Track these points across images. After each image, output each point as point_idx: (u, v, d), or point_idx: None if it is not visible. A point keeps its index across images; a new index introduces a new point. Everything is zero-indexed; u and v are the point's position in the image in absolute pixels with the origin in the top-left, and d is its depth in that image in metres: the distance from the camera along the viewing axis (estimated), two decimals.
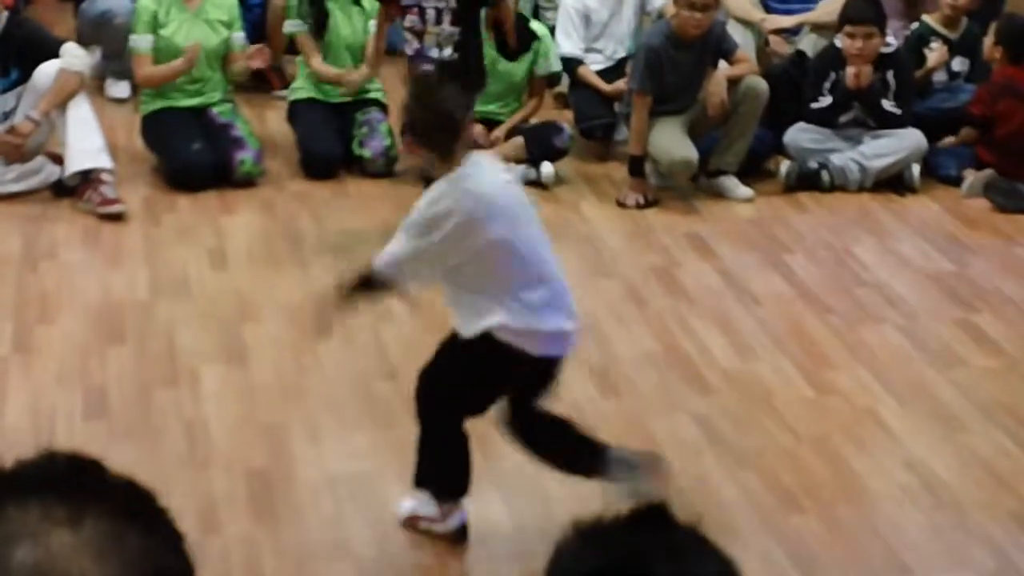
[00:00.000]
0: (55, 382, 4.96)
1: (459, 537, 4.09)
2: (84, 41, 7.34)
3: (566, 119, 7.33)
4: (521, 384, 4.01)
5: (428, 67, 5.83)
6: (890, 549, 4.17)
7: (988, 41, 7.12)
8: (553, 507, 4.25)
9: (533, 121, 7.14)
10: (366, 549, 4.13)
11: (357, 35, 7.01)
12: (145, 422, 4.71)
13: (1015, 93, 6.92)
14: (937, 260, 6.26)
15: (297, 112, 7.07)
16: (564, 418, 4.10)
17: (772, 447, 4.69)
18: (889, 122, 7.00)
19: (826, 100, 7.03)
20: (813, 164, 6.98)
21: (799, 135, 7.09)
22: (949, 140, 7.23)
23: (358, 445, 4.59)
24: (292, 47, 7.24)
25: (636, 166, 6.78)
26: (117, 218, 6.30)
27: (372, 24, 6.79)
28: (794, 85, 7.17)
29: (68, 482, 1.19)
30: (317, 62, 7.01)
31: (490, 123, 6.98)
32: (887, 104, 7.00)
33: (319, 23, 6.98)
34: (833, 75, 7.01)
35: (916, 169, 7.01)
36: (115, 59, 7.63)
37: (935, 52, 7.37)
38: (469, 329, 3.86)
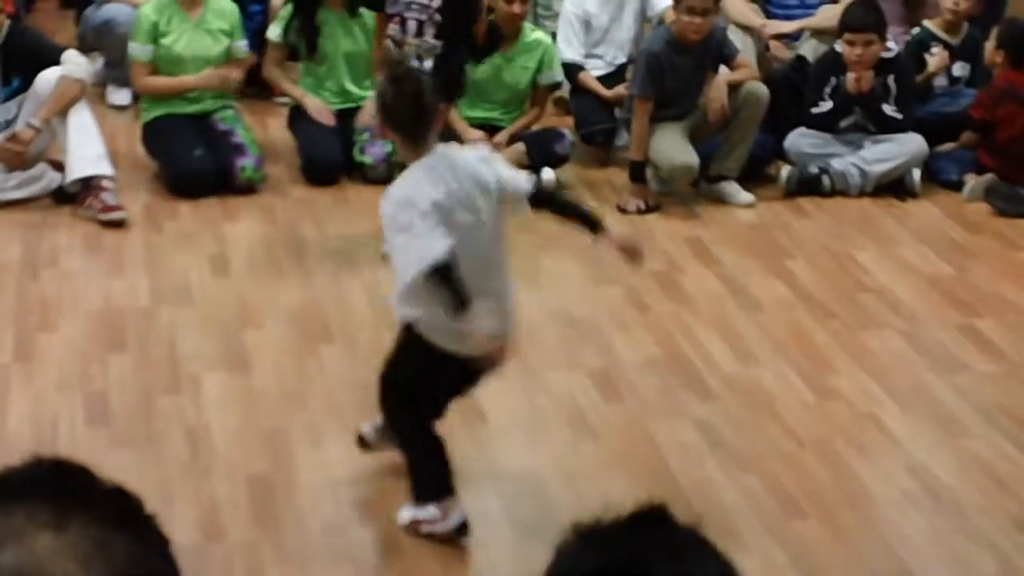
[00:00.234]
0: (56, 389, 4.96)
1: (461, 533, 4.09)
2: (86, 48, 7.36)
3: (567, 125, 7.34)
4: (456, 381, 4.08)
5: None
6: (892, 553, 4.17)
7: (989, 46, 7.12)
8: (554, 511, 4.24)
9: (534, 128, 7.15)
10: (368, 554, 4.14)
11: (358, 46, 7.00)
12: (147, 429, 4.71)
13: (1016, 97, 6.92)
14: (938, 265, 6.26)
15: (298, 118, 7.07)
16: (441, 441, 4.11)
17: (774, 452, 4.69)
18: (890, 127, 7.00)
19: (827, 105, 7.04)
20: (814, 169, 6.98)
21: (800, 140, 7.09)
22: (950, 145, 7.24)
23: (360, 451, 4.59)
24: (292, 54, 7.24)
25: (637, 172, 6.79)
26: (118, 225, 6.30)
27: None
28: (795, 90, 7.17)
29: (54, 487, 1.20)
30: (271, 69, 7.12)
31: (492, 129, 6.99)
32: (888, 109, 7.00)
33: (310, 41, 6.98)
34: (834, 80, 7.01)
35: (917, 174, 7.01)
36: (117, 67, 7.64)
37: (935, 57, 7.37)
38: (398, 313, 4.01)
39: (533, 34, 7.13)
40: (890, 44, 7.05)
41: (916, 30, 7.51)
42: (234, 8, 6.99)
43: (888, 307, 5.82)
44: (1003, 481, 4.57)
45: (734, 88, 6.75)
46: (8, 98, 6.47)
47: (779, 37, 7.80)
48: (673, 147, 6.72)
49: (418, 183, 3.87)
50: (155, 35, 6.79)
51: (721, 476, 4.53)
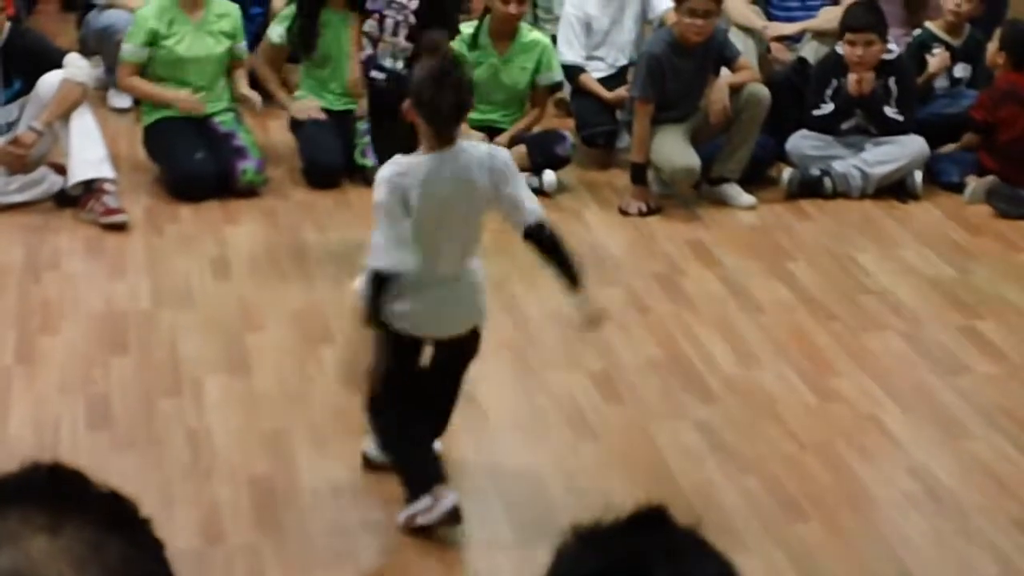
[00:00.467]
0: (58, 392, 4.96)
1: (452, 519, 4.08)
2: (87, 52, 7.36)
3: (568, 127, 7.34)
4: (422, 365, 4.19)
5: (379, 76, 5.79)
6: (893, 554, 4.17)
7: (991, 47, 7.12)
8: (554, 512, 4.24)
9: (535, 129, 7.15)
10: (370, 557, 4.14)
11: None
12: (148, 431, 4.71)
13: (1017, 99, 6.92)
14: (940, 266, 6.26)
15: (299, 122, 7.07)
16: (421, 431, 4.20)
17: (775, 454, 4.69)
18: (891, 129, 7.00)
19: (828, 107, 7.04)
20: (815, 171, 6.98)
21: (801, 142, 7.09)
22: (951, 147, 7.24)
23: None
24: (293, 56, 7.25)
25: (638, 174, 6.78)
26: (120, 228, 6.30)
27: None
28: (796, 92, 7.18)
29: (49, 491, 1.21)
30: (262, 68, 7.13)
31: (493, 131, 6.99)
32: (889, 111, 7.00)
33: (308, 42, 6.98)
34: (835, 82, 7.02)
35: (918, 176, 7.01)
36: (116, 72, 7.63)
37: (936, 57, 7.37)
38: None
39: (530, 34, 7.12)
40: (891, 46, 7.05)
41: (917, 31, 7.51)
42: (236, 10, 6.99)
43: (889, 309, 5.82)
44: (1004, 482, 4.57)
45: (735, 90, 6.75)
46: (9, 101, 6.47)
47: (780, 39, 7.81)
48: (674, 149, 6.72)
49: (403, 171, 3.95)
50: (152, 40, 6.79)
51: (722, 477, 4.53)
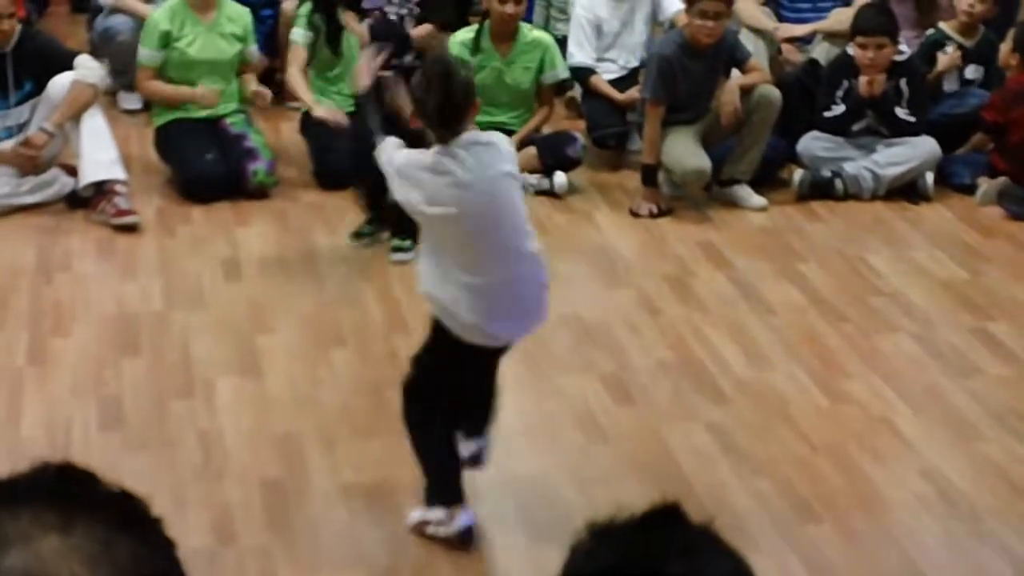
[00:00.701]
0: (70, 393, 4.97)
1: (464, 538, 4.09)
2: (97, 54, 7.37)
3: (579, 129, 7.33)
4: (467, 369, 4.15)
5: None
6: (905, 557, 4.17)
7: (1004, 48, 7.10)
8: (566, 514, 4.24)
9: (546, 131, 7.14)
10: (381, 559, 4.13)
11: None
12: (160, 433, 4.72)
13: None
14: (951, 268, 6.25)
15: (310, 123, 7.06)
16: (454, 451, 4.18)
17: (787, 456, 4.68)
18: (903, 130, 6.99)
19: (839, 108, 7.03)
20: (826, 173, 6.97)
21: (812, 144, 7.09)
22: (963, 150, 7.23)
23: (372, 455, 4.59)
24: None
25: (649, 175, 6.78)
26: (131, 229, 6.31)
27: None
28: (807, 94, 7.17)
29: (60, 491, 1.21)
30: (293, 72, 6.99)
31: (502, 133, 6.96)
32: (900, 112, 6.99)
33: (334, 38, 6.96)
34: (846, 83, 7.01)
35: (930, 177, 7.00)
36: (122, 75, 7.64)
37: (946, 56, 7.35)
38: (418, 287, 4.11)
39: (531, 34, 7.10)
40: (902, 47, 7.04)
41: (930, 31, 7.49)
42: (247, 12, 7.00)
43: (901, 311, 5.81)
44: (1017, 484, 4.56)
45: (746, 92, 6.75)
46: (20, 102, 6.48)
47: (791, 40, 7.80)
48: (685, 151, 6.72)
49: (412, 165, 3.99)
50: (166, 42, 6.80)
51: (734, 480, 4.53)
